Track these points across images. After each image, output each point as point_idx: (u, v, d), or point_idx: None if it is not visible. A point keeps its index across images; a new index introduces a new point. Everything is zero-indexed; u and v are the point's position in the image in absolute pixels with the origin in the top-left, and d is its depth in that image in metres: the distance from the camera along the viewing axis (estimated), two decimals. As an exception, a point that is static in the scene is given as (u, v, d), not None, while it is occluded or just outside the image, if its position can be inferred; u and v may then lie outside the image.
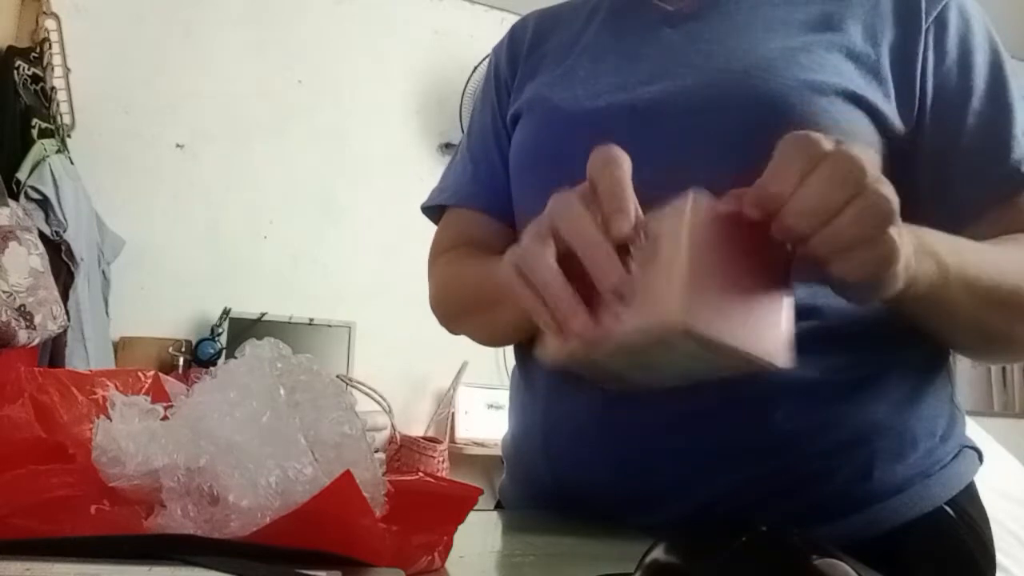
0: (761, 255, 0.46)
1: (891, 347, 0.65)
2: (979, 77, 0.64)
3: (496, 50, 0.86)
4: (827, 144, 0.42)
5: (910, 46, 0.64)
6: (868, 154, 0.42)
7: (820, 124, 0.60)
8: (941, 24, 0.65)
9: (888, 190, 0.42)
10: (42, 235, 2.16)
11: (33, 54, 2.43)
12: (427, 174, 2.94)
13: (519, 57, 0.81)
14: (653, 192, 0.59)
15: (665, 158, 0.63)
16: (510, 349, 0.81)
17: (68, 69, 2.58)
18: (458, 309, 0.81)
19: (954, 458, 0.66)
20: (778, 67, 0.62)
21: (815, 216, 0.42)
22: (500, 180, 0.80)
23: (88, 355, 2.31)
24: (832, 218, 0.41)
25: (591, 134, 0.66)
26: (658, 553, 0.34)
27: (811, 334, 0.61)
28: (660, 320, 0.43)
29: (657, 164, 0.63)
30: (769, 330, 0.46)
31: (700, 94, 0.64)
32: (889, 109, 0.64)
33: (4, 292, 1.87)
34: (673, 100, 0.64)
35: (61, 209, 2.26)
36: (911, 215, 0.46)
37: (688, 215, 0.45)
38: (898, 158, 0.64)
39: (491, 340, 0.81)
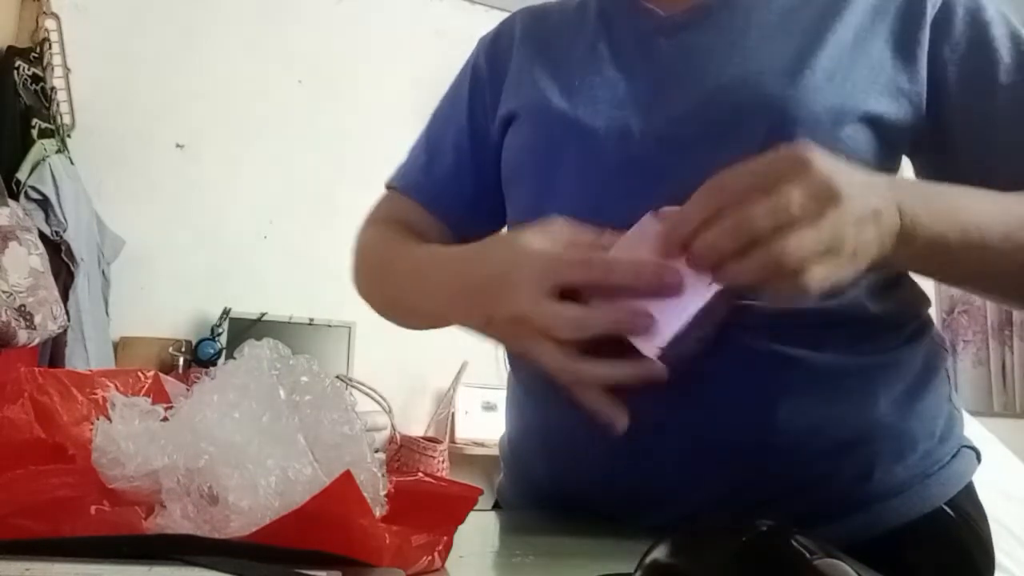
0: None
1: (889, 347, 0.65)
2: (1002, 49, 0.64)
3: (481, 43, 0.85)
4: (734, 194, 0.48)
5: (910, 38, 0.64)
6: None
7: (815, 141, 0.60)
8: (946, 10, 0.65)
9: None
10: (42, 235, 2.16)
11: (33, 54, 2.43)
12: (427, 174, 2.94)
13: (504, 56, 0.80)
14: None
15: (666, 187, 0.63)
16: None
17: (68, 69, 2.58)
18: (374, 278, 0.82)
19: (953, 458, 0.66)
20: (774, 90, 0.62)
21: (711, 257, 0.49)
22: (448, 177, 0.81)
23: (88, 355, 2.31)
24: (728, 262, 0.48)
25: (591, 157, 0.67)
26: (658, 553, 0.35)
27: (809, 335, 0.61)
28: None
29: (657, 191, 0.62)
30: (661, 327, 0.53)
31: (698, 123, 0.64)
32: (890, 108, 0.63)
33: (4, 292, 1.87)
34: (672, 130, 0.64)
35: (61, 209, 2.27)
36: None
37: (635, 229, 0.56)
38: (925, 145, 0.66)
39: (389, 317, 0.82)
